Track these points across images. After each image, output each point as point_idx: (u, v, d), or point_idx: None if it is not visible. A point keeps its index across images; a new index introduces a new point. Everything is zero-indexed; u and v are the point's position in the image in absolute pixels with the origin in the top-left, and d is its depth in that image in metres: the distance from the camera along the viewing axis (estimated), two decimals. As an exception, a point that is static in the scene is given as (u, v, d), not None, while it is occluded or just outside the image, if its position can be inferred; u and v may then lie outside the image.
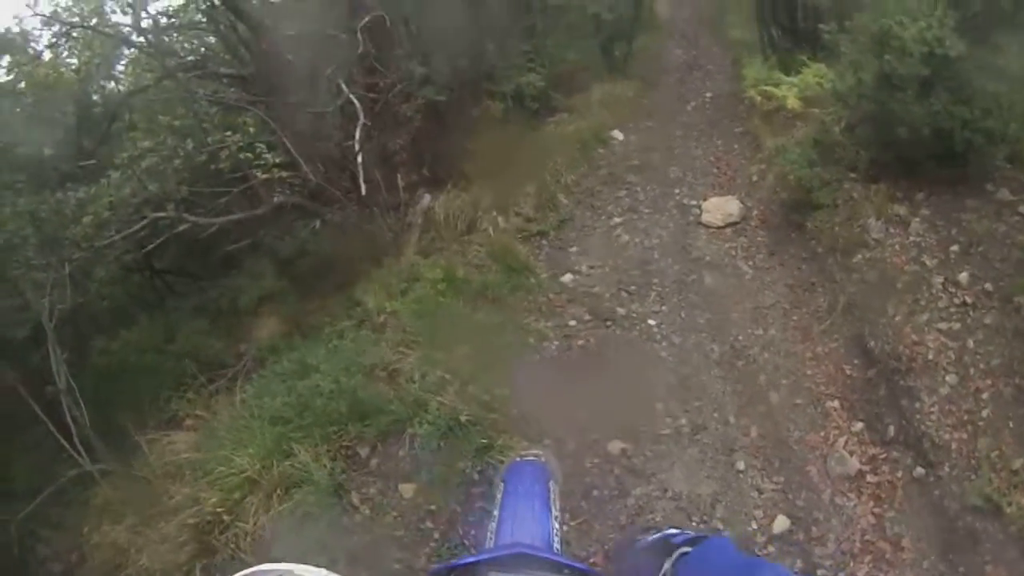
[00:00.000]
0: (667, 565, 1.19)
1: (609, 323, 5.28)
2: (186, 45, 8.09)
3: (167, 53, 7.24)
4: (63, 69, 7.86)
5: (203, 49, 7.98)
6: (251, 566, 3.11)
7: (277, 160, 6.19)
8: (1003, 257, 4.50)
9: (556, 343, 5.11)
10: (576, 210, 6.74)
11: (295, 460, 4.13)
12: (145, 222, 6.09)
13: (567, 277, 5.78)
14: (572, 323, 5.29)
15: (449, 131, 7.50)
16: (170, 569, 3.86)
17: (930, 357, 4.21)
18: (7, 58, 7.65)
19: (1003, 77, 4.59)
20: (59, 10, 7.69)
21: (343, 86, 6.31)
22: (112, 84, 8.59)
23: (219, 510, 3.96)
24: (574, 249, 6.16)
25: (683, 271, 5.78)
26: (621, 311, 5.39)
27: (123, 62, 8.43)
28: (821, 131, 5.88)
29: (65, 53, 8.04)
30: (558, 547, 2.17)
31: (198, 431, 5.06)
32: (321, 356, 5.07)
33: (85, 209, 5.75)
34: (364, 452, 4.29)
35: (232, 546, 3.85)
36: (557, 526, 2.24)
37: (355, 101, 6.36)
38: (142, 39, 7.22)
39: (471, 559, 1.51)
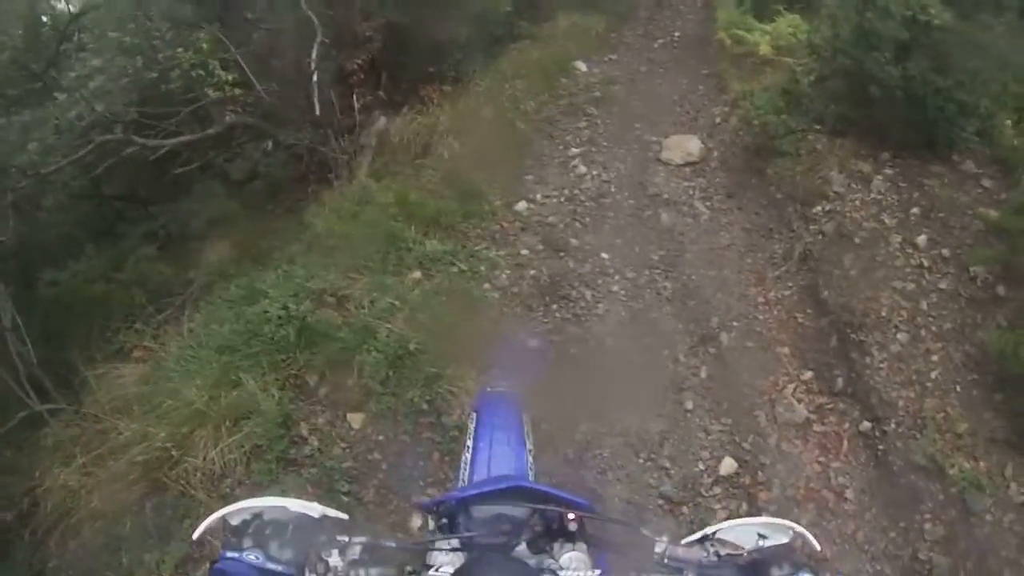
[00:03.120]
0: None
1: (562, 254, 5.22)
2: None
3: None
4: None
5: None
6: (201, 502, 3.09)
7: (230, 78, 5.94)
8: (963, 226, 4.56)
9: (507, 272, 5.03)
10: (534, 138, 6.59)
11: (243, 390, 4.05)
12: (92, 146, 5.89)
13: (521, 205, 5.68)
14: (524, 252, 5.22)
15: (409, 53, 7.25)
16: (121, 509, 3.77)
17: (883, 314, 4.25)
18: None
19: (984, 54, 4.61)
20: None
21: (301, 2, 6.05)
22: (62, 3, 8.00)
23: (168, 445, 3.86)
24: (530, 177, 6.04)
25: (639, 206, 5.74)
26: (575, 242, 5.34)
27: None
28: (791, 80, 5.89)
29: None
30: (532, 480, 2.17)
31: (147, 363, 4.92)
32: (270, 281, 4.96)
33: (30, 135, 5.53)
34: (312, 381, 4.22)
35: (183, 482, 3.77)
36: (531, 459, 2.26)
37: (313, 18, 6.10)
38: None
39: (466, 492, 1.46)
